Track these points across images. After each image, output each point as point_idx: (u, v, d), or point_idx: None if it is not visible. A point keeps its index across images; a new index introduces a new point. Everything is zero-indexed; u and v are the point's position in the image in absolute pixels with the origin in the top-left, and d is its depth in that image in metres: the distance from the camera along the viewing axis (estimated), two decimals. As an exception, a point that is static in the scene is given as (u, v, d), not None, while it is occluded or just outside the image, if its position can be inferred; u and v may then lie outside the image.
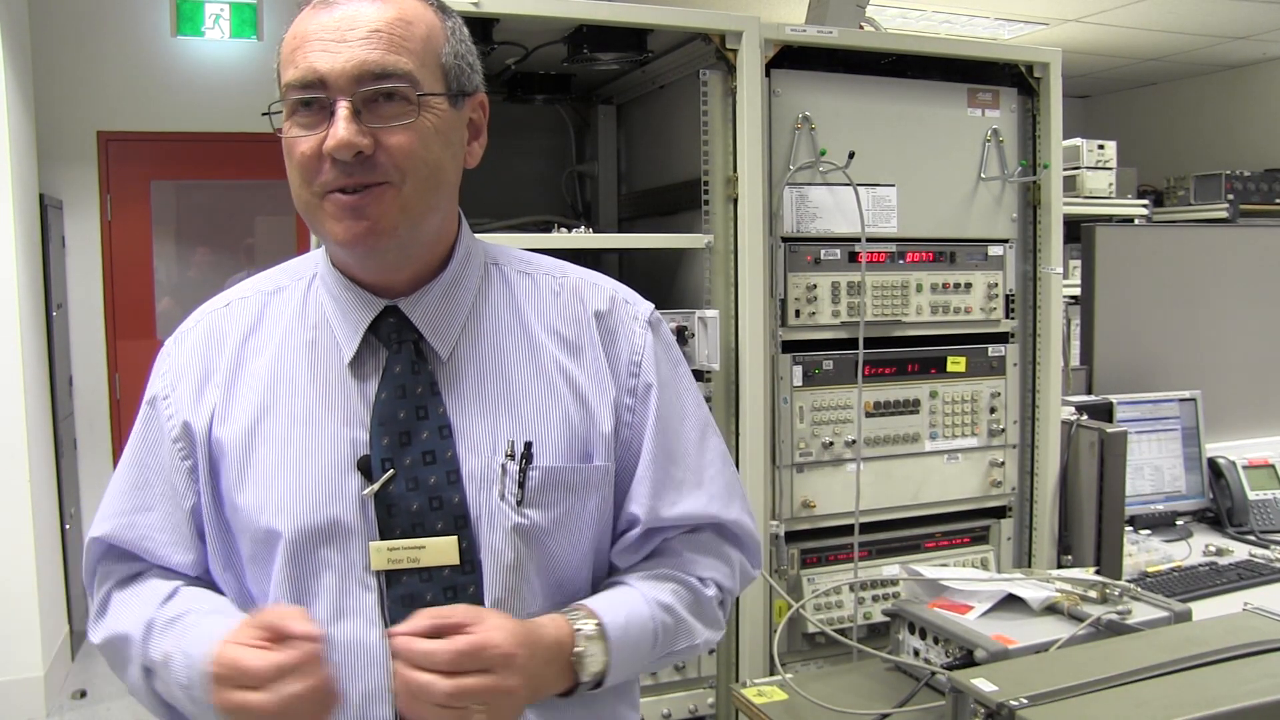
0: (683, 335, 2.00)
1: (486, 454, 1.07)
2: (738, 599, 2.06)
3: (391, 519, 1.04)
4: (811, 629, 2.13)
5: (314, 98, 1.01)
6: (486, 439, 1.08)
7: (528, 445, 1.07)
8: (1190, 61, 6.79)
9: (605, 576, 1.18)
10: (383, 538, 1.04)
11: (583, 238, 2.09)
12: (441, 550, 1.04)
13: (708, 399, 2.05)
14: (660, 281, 2.28)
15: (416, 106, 1.02)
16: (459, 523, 1.05)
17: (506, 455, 1.07)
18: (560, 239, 2.04)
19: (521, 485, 1.07)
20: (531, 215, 2.32)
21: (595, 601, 1.09)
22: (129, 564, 1.14)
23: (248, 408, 1.09)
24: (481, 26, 1.92)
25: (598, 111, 2.61)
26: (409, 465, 1.05)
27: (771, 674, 1.93)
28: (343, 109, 0.99)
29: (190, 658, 1.01)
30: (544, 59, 2.21)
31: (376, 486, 1.04)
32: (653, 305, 1.23)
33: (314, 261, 1.17)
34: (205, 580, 1.14)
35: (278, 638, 0.94)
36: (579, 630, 1.05)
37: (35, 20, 4.59)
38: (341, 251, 1.08)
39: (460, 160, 1.11)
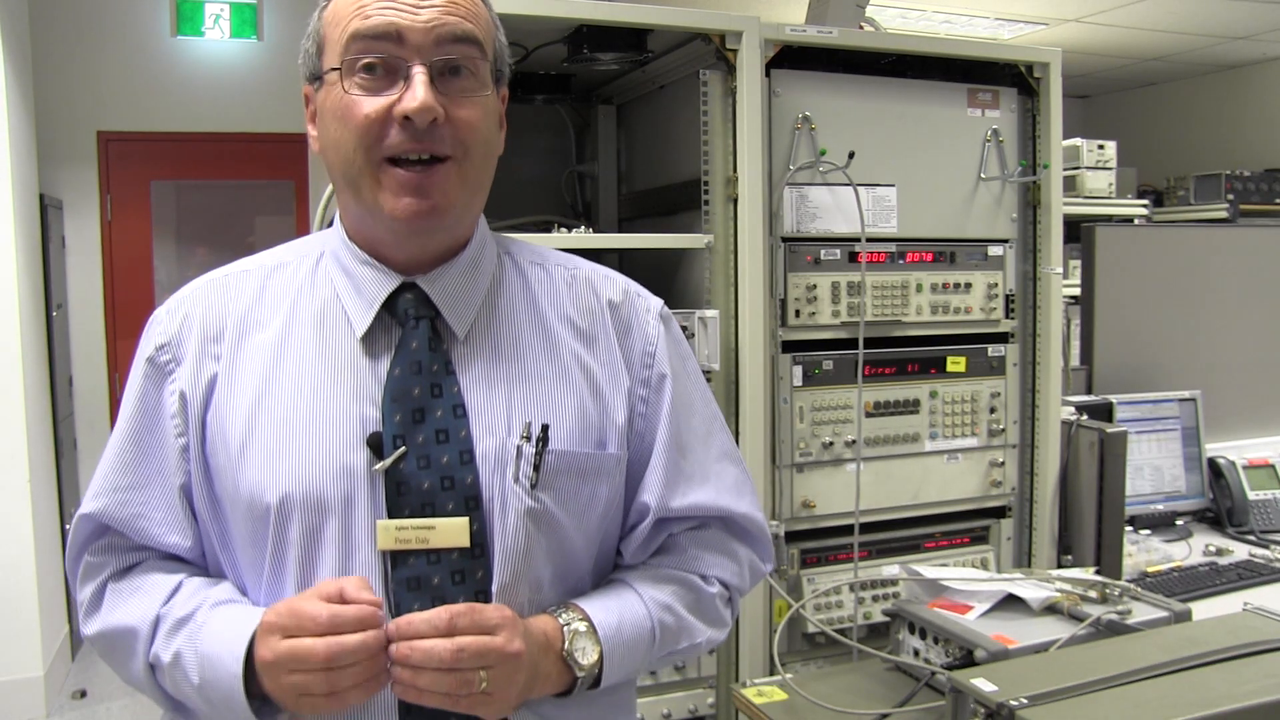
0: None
1: (501, 435, 1.05)
2: (738, 599, 2.07)
3: (401, 497, 1.02)
4: (811, 629, 2.13)
5: (382, 60, 1.00)
6: (501, 420, 1.06)
7: (544, 427, 1.06)
8: (1190, 61, 6.79)
9: (609, 570, 1.17)
10: (391, 516, 1.02)
11: (583, 238, 2.09)
12: (452, 531, 1.02)
13: (708, 399, 2.05)
14: (660, 281, 2.28)
15: (484, 82, 1.04)
16: (470, 504, 1.03)
17: (522, 437, 1.05)
18: (560, 239, 2.04)
19: (537, 468, 1.05)
20: (531, 215, 2.32)
21: (585, 601, 1.09)
22: (122, 555, 1.10)
23: (251, 382, 1.06)
24: (481, 26, 1.92)
25: (598, 111, 2.61)
26: (421, 443, 1.03)
27: (771, 674, 1.93)
28: (422, 74, 0.99)
29: (204, 657, 1.00)
30: (544, 59, 2.21)
31: (388, 462, 1.02)
32: (662, 301, 1.23)
33: (320, 240, 1.15)
34: (201, 564, 1.11)
35: (338, 599, 0.95)
36: (566, 626, 1.05)
37: (35, 20, 4.59)
38: (388, 224, 1.05)
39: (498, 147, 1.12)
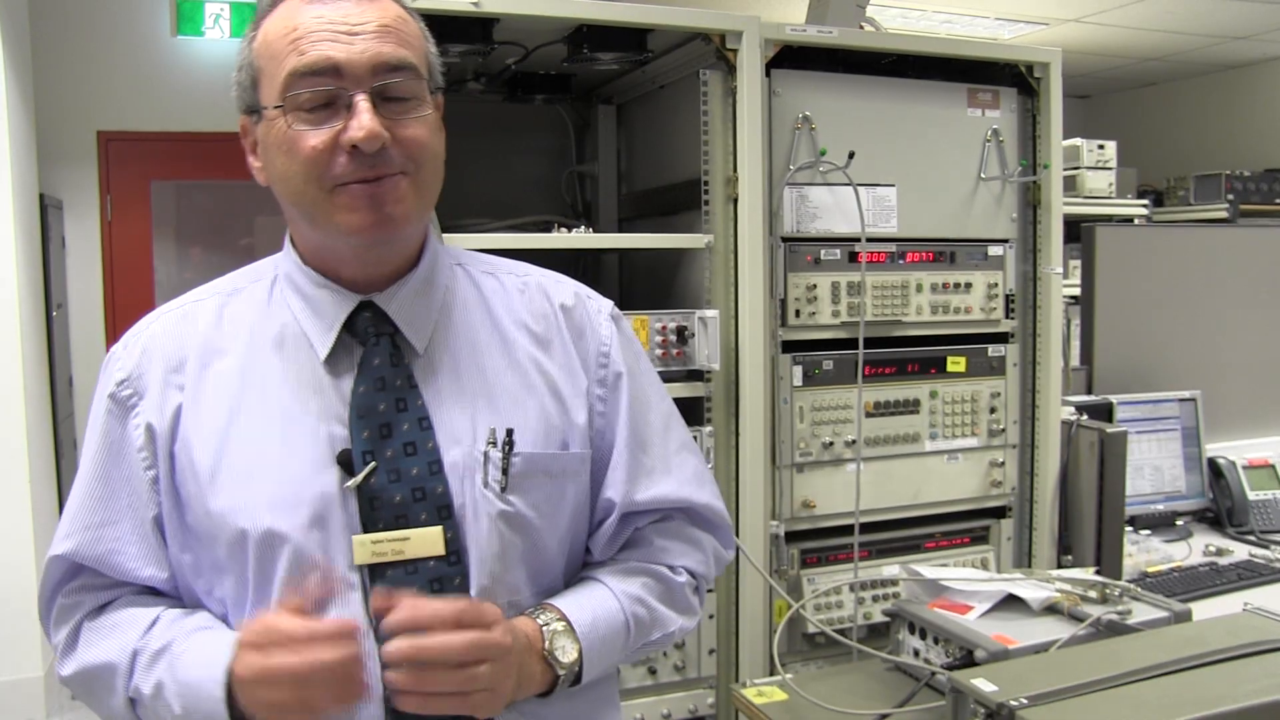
0: (683, 335, 2.00)
1: (467, 444, 1.08)
2: (737, 599, 2.07)
3: (374, 512, 1.04)
4: (811, 629, 2.13)
5: (322, 91, 1.01)
6: (466, 429, 1.08)
7: (509, 432, 1.08)
8: (1190, 61, 6.79)
9: (578, 568, 1.19)
10: (366, 531, 1.03)
11: (583, 238, 2.09)
12: (426, 541, 1.04)
13: (707, 399, 2.05)
14: (660, 281, 2.28)
15: (424, 100, 1.06)
16: (443, 513, 1.05)
17: (488, 443, 1.08)
18: (560, 239, 2.04)
19: (505, 472, 1.07)
20: (531, 215, 2.32)
21: (558, 600, 1.11)
22: (96, 593, 1.10)
23: (217, 410, 1.07)
24: (481, 26, 1.92)
25: (598, 111, 2.61)
26: (390, 457, 1.05)
27: (771, 674, 1.93)
28: (365, 101, 1.00)
29: (184, 685, 1.00)
30: (544, 59, 2.20)
31: (359, 479, 1.04)
32: (613, 302, 1.25)
33: (272, 265, 1.16)
34: (176, 596, 1.11)
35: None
36: (545, 626, 1.07)
37: (35, 20, 4.58)
38: (345, 241, 1.06)
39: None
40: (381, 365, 1.08)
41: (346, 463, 1.04)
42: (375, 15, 1.04)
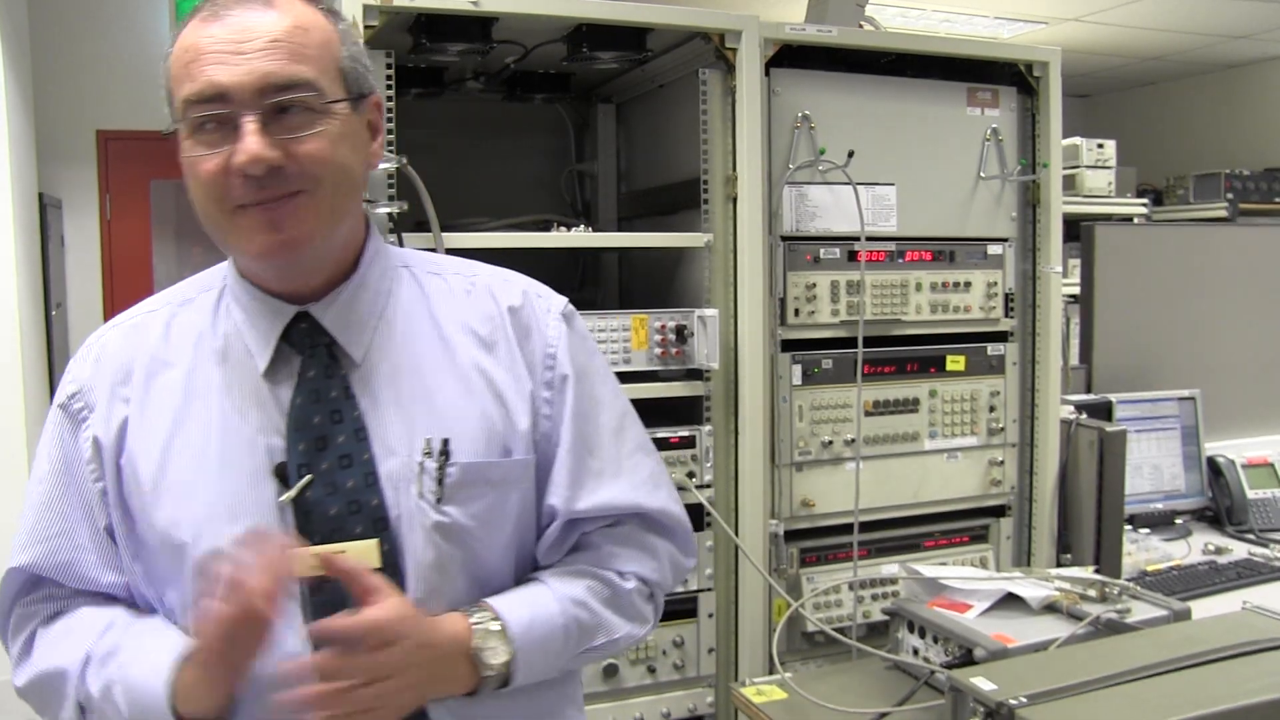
0: (682, 334, 2.00)
1: (404, 454, 1.06)
2: (736, 598, 2.07)
3: (310, 525, 1.03)
4: (811, 628, 2.13)
5: (212, 115, 0.99)
6: (403, 439, 1.07)
7: (445, 442, 1.06)
8: (1190, 61, 6.79)
9: (529, 574, 1.17)
10: (302, 544, 1.03)
11: (582, 236, 2.09)
12: (362, 554, 1.02)
13: (707, 398, 2.06)
14: (659, 281, 2.28)
15: (324, 111, 1.02)
16: (378, 525, 1.04)
17: (424, 453, 1.06)
18: (560, 238, 2.04)
19: (440, 483, 1.06)
20: (531, 214, 2.32)
21: (497, 600, 1.08)
22: (52, 603, 1.11)
23: (161, 422, 1.07)
24: (481, 25, 1.92)
25: (597, 110, 2.61)
26: (326, 470, 1.04)
27: (771, 673, 1.93)
28: (250, 123, 0.98)
29: (132, 689, 1.00)
30: (543, 58, 2.20)
31: (294, 493, 1.03)
32: (566, 299, 1.22)
33: (221, 274, 1.15)
34: (133, 602, 1.11)
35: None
36: (476, 625, 1.04)
37: (35, 20, 4.59)
38: (256, 263, 1.06)
39: (365, 163, 1.10)
40: (316, 377, 1.07)
41: (283, 475, 1.04)
42: (267, 29, 1.00)
